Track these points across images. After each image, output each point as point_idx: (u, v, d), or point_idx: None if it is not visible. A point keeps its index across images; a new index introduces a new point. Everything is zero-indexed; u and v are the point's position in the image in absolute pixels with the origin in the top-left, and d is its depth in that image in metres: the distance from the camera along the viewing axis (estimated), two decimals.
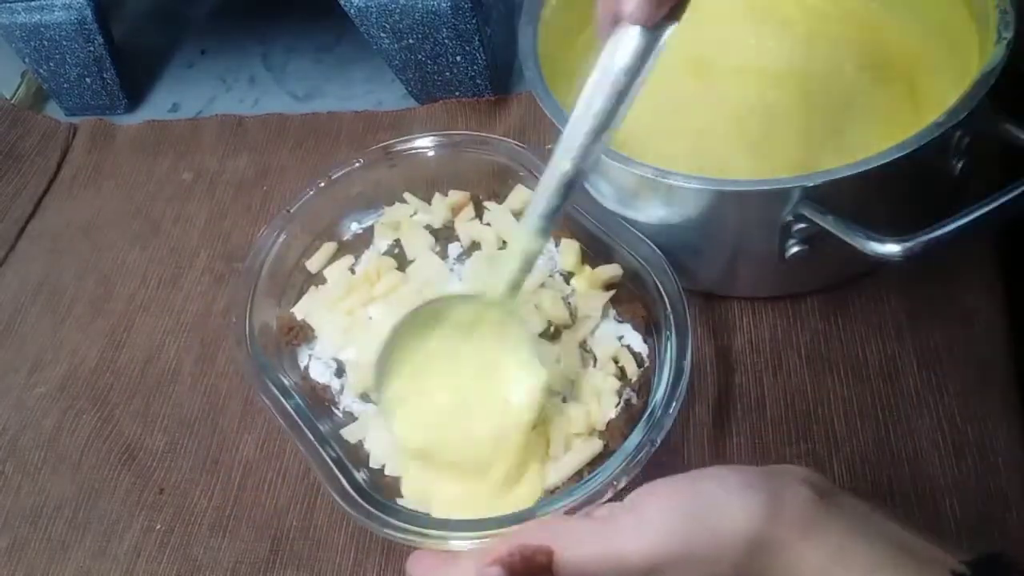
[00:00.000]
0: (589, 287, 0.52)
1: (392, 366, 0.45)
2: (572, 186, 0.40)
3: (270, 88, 0.75)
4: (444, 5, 0.60)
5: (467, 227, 0.56)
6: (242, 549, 0.49)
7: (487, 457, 0.44)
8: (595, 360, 0.49)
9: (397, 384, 0.45)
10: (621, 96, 0.38)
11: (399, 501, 0.45)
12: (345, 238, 0.58)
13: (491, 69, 0.65)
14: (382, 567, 0.47)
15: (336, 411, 0.50)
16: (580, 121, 0.39)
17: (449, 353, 0.45)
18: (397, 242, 0.56)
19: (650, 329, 0.50)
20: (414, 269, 0.54)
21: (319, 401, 0.50)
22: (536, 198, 0.41)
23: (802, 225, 0.45)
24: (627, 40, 0.37)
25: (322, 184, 0.56)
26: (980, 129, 0.45)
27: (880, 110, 0.53)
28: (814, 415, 0.48)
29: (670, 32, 0.37)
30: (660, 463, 0.47)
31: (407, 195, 0.58)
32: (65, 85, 0.74)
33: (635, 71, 0.37)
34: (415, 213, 0.57)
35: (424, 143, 0.57)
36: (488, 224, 0.55)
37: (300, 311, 0.54)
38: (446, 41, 0.63)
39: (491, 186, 0.57)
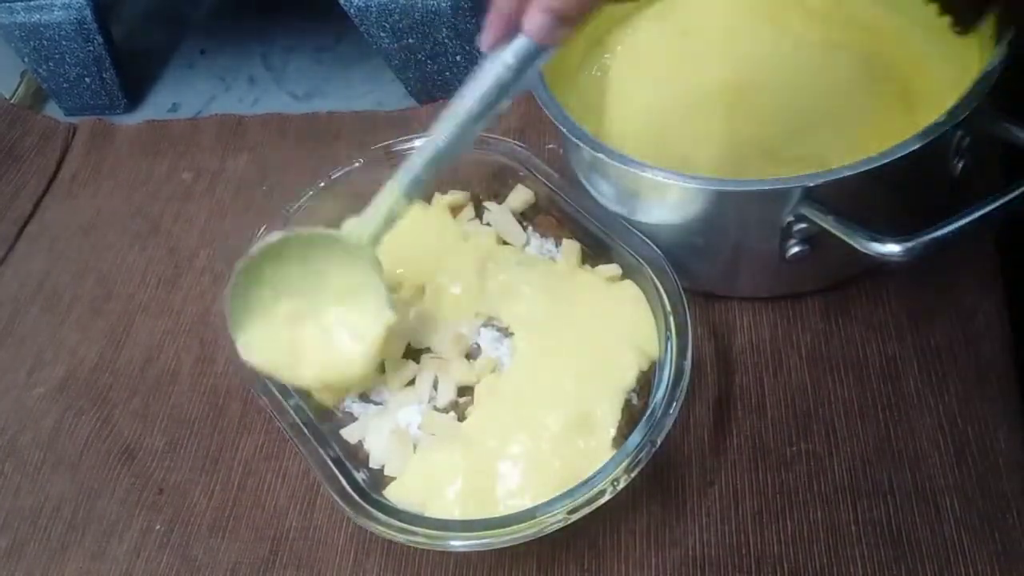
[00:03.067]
0: None
1: (249, 296, 0.47)
2: (442, 161, 0.44)
3: (270, 88, 0.75)
4: (444, 5, 0.60)
5: (467, 227, 0.56)
6: (242, 549, 0.49)
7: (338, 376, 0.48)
8: None
9: (249, 316, 0.48)
10: (503, 92, 0.42)
11: (391, 499, 0.45)
12: None
13: None
14: (382, 567, 0.47)
15: (336, 411, 0.50)
16: (462, 104, 0.42)
17: (300, 288, 0.48)
18: None
19: None
20: None
21: (319, 401, 0.50)
22: (409, 164, 0.45)
23: (803, 225, 0.45)
24: (519, 44, 0.40)
25: (322, 184, 0.56)
26: (981, 129, 0.45)
27: (876, 112, 0.53)
28: (814, 415, 0.48)
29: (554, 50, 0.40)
30: (661, 464, 0.47)
31: None
32: (64, 85, 0.74)
33: (519, 73, 0.41)
34: None
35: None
36: (488, 224, 0.55)
37: None
38: (446, 41, 0.63)
39: (491, 186, 0.57)
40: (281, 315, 0.48)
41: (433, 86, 0.67)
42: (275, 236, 0.46)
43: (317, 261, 0.47)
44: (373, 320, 0.47)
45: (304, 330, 0.48)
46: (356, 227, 0.47)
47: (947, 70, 0.52)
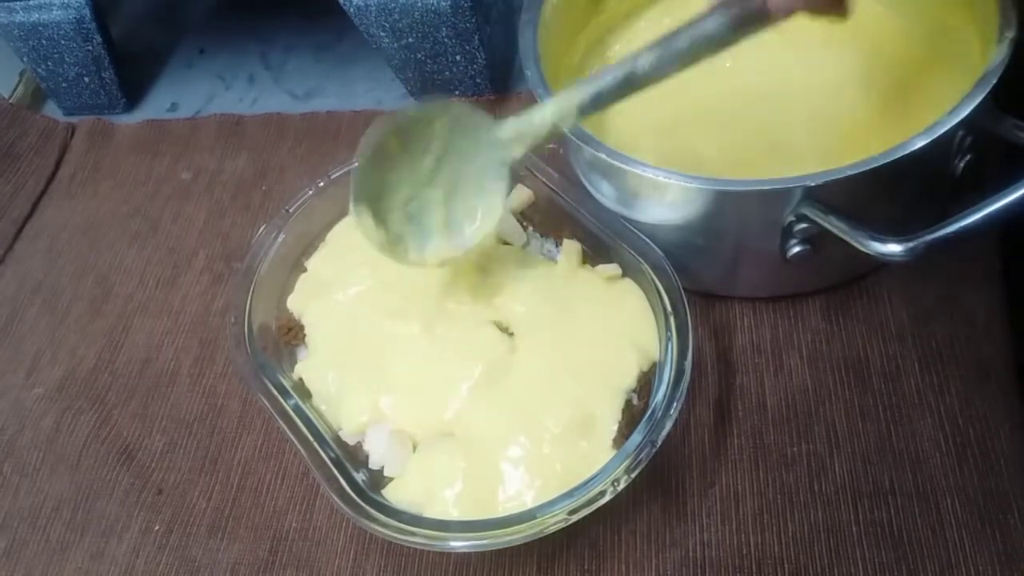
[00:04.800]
0: None
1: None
2: (630, 84, 0.43)
3: (269, 87, 0.75)
4: (444, 4, 0.60)
5: None
6: (241, 550, 0.49)
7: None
8: None
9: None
10: (714, 44, 0.42)
11: (391, 500, 0.45)
12: None
13: (491, 68, 0.65)
14: (382, 567, 0.47)
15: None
16: (674, 39, 0.42)
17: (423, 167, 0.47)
18: None
19: None
20: None
21: None
22: (597, 79, 0.43)
23: (804, 225, 0.45)
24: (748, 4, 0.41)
25: (321, 184, 0.56)
26: (982, 128, 0.45)
27: (876, 112, 0.52)
28: (815, 415, 0.48)
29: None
30: (661, 464, 0.47)
31: None
32: (63, 84, 0.74)
33: (735, 34, 0.42)
34: None
35: None
36: None
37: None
38: (446, 40, 0.63)
39: None
40: (402, 194, 0.47)
41: (433, 85, 0.66)
42: (409, 110, 0.45)
43: (446, 143, 0.46)
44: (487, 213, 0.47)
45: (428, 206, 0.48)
46: (511, 123, 0.45)
47: (947, 70, 0.52)
